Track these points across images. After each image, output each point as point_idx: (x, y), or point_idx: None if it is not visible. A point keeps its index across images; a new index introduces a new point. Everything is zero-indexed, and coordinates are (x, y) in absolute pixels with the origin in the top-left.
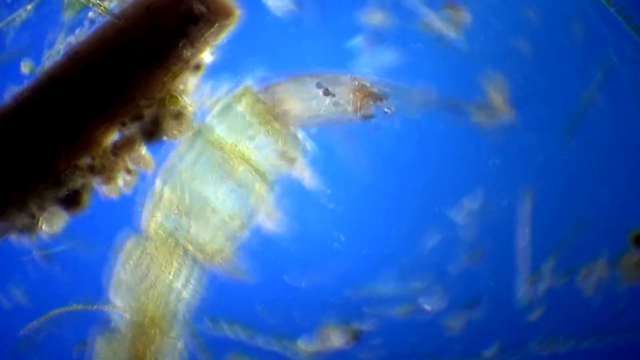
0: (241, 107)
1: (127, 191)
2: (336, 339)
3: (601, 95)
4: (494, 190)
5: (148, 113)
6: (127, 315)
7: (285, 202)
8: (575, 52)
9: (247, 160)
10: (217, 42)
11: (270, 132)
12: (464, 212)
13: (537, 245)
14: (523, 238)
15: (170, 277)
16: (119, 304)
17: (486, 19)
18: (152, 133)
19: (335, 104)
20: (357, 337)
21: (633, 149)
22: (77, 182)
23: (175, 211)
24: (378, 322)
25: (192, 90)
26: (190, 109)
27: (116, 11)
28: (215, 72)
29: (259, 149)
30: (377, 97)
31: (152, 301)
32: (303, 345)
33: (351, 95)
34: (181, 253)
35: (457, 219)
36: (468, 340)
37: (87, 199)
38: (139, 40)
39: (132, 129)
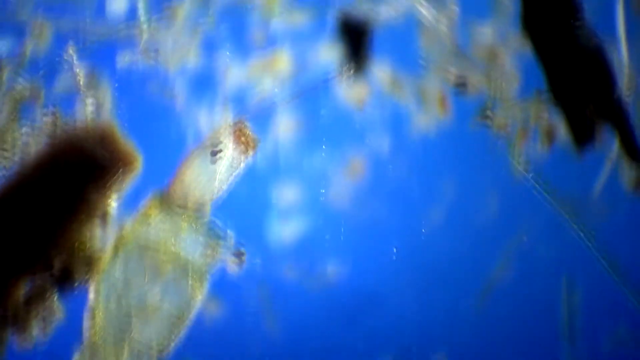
0: (156, 210)
1: (43, 339)
2: None
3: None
4: None
5: (58, 261)
6: None
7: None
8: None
9: (175, 255)
10: (122, 188)
11: (191, 224)
12: None
13: None
14: None
15: None
16: None
17: None
18: (63, 281)
19: (226, 155)
20: None
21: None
22: None
23: (116, 316)
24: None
25: (100, 235)
26: (100, 253)
27: (19, 164)
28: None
29: (184, 243)
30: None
31: None
32: None
33: (233, 139)
34: (129, 353)
35: None
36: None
37: (2, 350)
38: (42, 190)
39: (43, 279)
